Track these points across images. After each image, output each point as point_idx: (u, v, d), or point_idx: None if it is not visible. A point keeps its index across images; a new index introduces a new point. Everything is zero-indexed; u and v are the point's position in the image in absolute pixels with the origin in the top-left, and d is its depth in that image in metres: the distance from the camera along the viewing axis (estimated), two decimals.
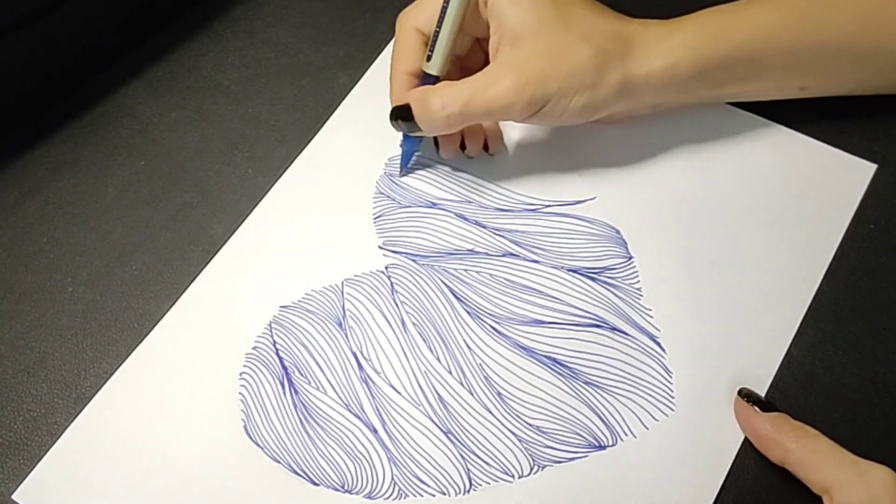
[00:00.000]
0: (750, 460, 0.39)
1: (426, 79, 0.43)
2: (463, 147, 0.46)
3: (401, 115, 0.42)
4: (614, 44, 0.40)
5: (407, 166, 0.47)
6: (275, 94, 0.50)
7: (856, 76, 0.44)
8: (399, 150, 0.47)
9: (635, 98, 0.42)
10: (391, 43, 0.51)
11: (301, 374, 0.42)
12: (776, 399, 0.40)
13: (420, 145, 0.46)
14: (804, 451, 0.36)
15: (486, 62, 0.42)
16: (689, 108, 0.47)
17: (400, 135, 0.46)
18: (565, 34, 0.40)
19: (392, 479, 0.39)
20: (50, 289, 0.45)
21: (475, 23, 0.43)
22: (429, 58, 0.42)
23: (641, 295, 0.43)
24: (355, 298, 0.43)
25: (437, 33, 0.42)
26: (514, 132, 0.48)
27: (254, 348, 0.42)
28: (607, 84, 0.40)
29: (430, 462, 0.39)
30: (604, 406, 0.40)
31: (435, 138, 0.46)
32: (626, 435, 0.40)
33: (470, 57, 0.46)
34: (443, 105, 0.40)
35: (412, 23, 0.43)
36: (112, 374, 0.42)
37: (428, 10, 0.43)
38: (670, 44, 0.41)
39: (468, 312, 0.43)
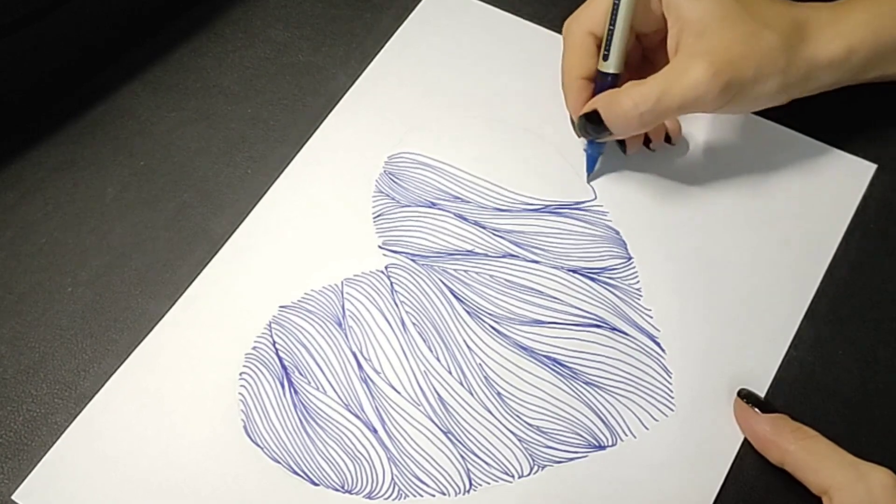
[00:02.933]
0: (750, 460, 0.39)
1: (602, 79, 0.42)
2: (646, 142, 0.46)
3: (590, 121, 0.42)
4: (794, 29, 0.40)
5: (593, 171, 0.46)
6: (274, 94, 0.50)
7: None
8: (402, 149, 0.47)
9: (815, 80, 0.42)
10: (390, 41, 0.51)
11: (301, 374, 0.42)
12: (776, 399, 0.40)
13: (604, 148, 0.46)
14: (803, 452, 0.36)
15: (646, 59, 0.42)
16: None
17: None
18: (750, 22, 0.40)
19: (392, 479, 0.39)
20: (50, 289, 0.45)
21: (643, 18, 0.42)
22: (605, 56, 0.42)
23: (641, 295, 0.43)
24: (355, 298, 0.43)
25: (611, 31, 0.41)
26: (508, 135, 0.48)
27: (254, 348, 0.42)
28: (796, 67, 0.40)
29: (429, 462, 0.40)
30: (604, 406, 0.40)
31: (620, 141, 0.46)
32: (626, 435, 0.40)
33: (630, 55, 0.45)
34: (635, 104, 0.40)
35: (584, 27, 0.43)
36: (112, 374, 0.42)
37: (598, 11, 0.42)
38: (846, 27, 0.41)
39: (468, 312, 0.43)
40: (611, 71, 0.42)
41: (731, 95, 0.40)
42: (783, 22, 0.40)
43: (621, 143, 0.46)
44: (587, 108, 0.42)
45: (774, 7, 0.41)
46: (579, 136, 0.44)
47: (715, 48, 0.39)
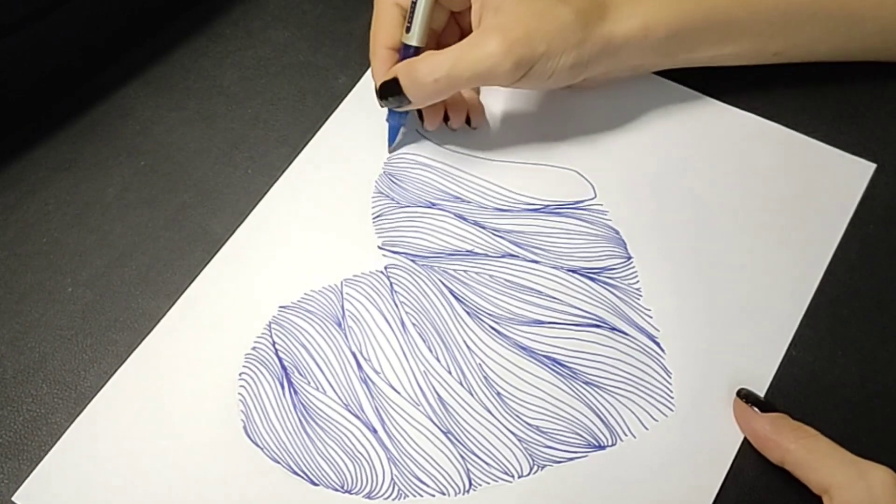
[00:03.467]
0: (750, 460, 0.39)
1: (406, 51, 0.44)
2: (446, 120, 0.47)
3: (389, 89, 0.43)
4: (591, 6, 0.42)
5: (394, 142, 0.47)
6: (275, 94, 0.50)
7: (829, 42, 0.45)
8: (401, 150, 0.47)
9: (615, 58, 0.43)
10: None
11: (300, 375, 0.42)
12: (776, 399, 0.40)
13: (406, 119, 0.47)
14: (803, 451, 0.36)
15: (463, 37, 0.43)
16: (689, 110, 0.47)
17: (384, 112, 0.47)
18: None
19: (392, 479, 0.39)
20: (50, 289, 0.45)
21: None
22: (408, 29, 0.43)
23: (641, 295, 0.43)
24: (354, 299, 0.43)
25: (414, 4, 0.43)
26: (513, 133, 0.48)
27: (253, 348, 0.42)
28: (591, 43, 0.41)
29: (429, 462, 0.40)
30: (603, 406, 0.40)
31: (419, 113, 0.47)
32: (626, 435, 0.40)
33: (446, 34, 0.47)
34: (430, 71, 0.41)
35: None
36: (112, 374, 0.42)
37: None
38: (645, 5, 0.42)
39: (468, 312, 0.43)
40: (413, 43, 0.43)
41: (525, 70, 0.41)
42: (580, 0, 0.41)
43: (420, 117, 0.47)
44: (388, 76, 0.43)
45: None
46: (381, 107, 0.45)
47: (509, 23, 0.40)
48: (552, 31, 0.40)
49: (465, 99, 0.47)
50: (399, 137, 0.48)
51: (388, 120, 0.47)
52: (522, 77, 0.41)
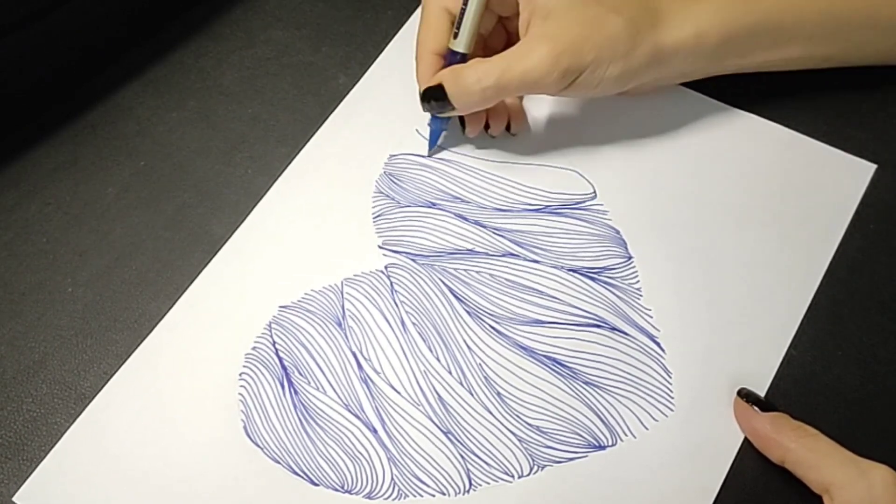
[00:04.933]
0: (750, 460, 0.39)
1: (452, 57, 0.43)
2: (486, 127, 0.46)
3: (433, 95, 0.42)
4: (643, 13, 0.41)
5: (434, 146, 0.47)
6: (274, 94, 0.50)
7: (879, 47, 0.45)
8: (402, 150, 0.47)
9: (666, 66, 0.43)
10: (391, 42, 0.51)
11: (301, 375, 0.42)
12: (776, 399, 0.40)
13: (447, 124, 0.47)
14: (804, 450, 0.36)
15: (510, 43, 0.42)
16: (689, 110, 0.47)
17: (421, 118, 0.46)
18: (596, 6, 0.40)
19: (392, 479, 0.39)
20: (50, 289, 0.45)
21: (502, 1, 0.43)
22: (455, 35, 0.43)
23: (641, 295, 0.43)
24: (355, 298, 0.43)
25: (463, 10, 0.42)
26: (508, 134, 0.48)
27: (253, 348, 0.42)
28: (640, 53, 0.41)
29: (429, 462, 0.39)
30: (603, 406, 0.40)
31: (461, 119, 0.46)
32: (626, 435, 0.40)
33: (493, 37, 0.47)
34: (478, 79, 0.40)
35: (441, 2, 0.44)
36: (112, 375, 0.42)
37: None
38: (697, 12, 0.42)
39: (468, 312, 0.43)
40: (460, 50, 0.43)
41: (572, 79, 0.40)
42: (632, 7, 0.41)
43: (462, 123, 0.46)
44: (433, 82, 0.43)
45: None
46: (424, 111, 0.44)
47: (558, 31, 0.40)
48: (601, 40, 0.40)
49: (507, 105, 0.47)
50: (439, 141, 0.47)
51: (429, 124, 0.47)
52: (569, 86, 0.41)
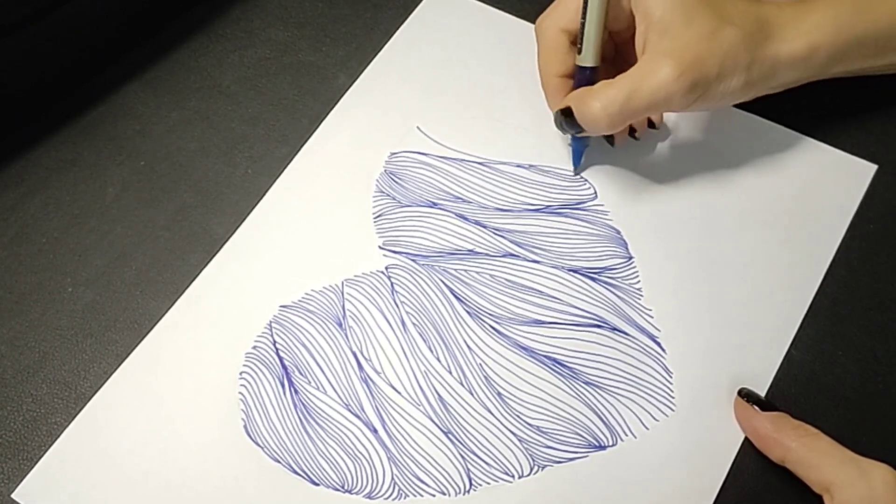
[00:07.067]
0: (750, 460, 0.39)
1: (582, 73, 0.43)
2: (631, 132, 0.47)
3: (565, 118, 0.42)
4: (756, 26, 0.41)
5: (579, 164, 0.47)
6: (274, 94, 0.50)
7: None
8: (402, 148, 0.47)
9: (776, 78, 0.42)
10: (390, 41, 0.51)
11: (301, 374, 0.42)
12: (776, 399, 0.40)
13: (589, 141, 0.46)
14: (804, 449, 0.36)
15: (617, 55, 0.42)
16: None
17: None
18: (712, 19, 0.40)
19: (392, 479, 0.39)
20: (50, 289, 0.45)
21: (614, 16, 0.43)
22: (580, 51, 0.43)
23: (642, 295, 0.43)
24: (355, 298, 0.43)
25: (583, 24, 0.42)
26: (514, 133, 0.48)
27: (254, 348, 0.42)
28: (759, 64, 0.41)
29: (430, 462, 0.39)
30: (604, 406, 0.40)
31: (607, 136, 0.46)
32: (626, 435, 0.40)
33: (604, 50, 0.45)
34: (603, 106, 0.40)
35: (555, 25, 0.44)
36: (112, 374, 0.42)
37: (569, 9, 0.43)
38: (809, 24, 0.41)
39: (468, 312, 0.43)
40: (588, 64, 0.43)
41: (698, 94, 0.40)
42: (746, 19, 0.41)
43: (609, 137, 0.46)
44: (562, 105, 0.43)
45: (737, 5, 0.41)
46: (561, 132, 0.45)
47: (679, 48, 0.40)
48: (722, 53, 0.40)
49: None
50: (584, 159, 0.47)
51: (570, 144, 0.46)
52: (696, 100, 0.40)
